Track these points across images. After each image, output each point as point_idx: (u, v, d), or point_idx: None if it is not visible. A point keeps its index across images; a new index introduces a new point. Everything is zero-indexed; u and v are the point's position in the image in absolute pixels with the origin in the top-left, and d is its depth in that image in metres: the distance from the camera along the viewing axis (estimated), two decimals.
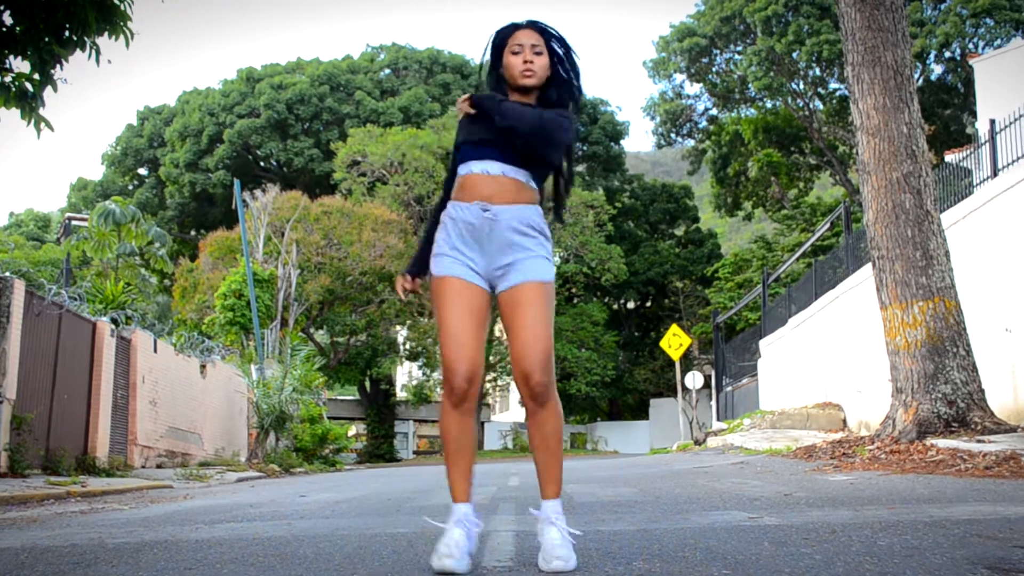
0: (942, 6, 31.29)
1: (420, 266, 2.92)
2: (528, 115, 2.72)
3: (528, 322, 2.65)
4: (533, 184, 2.79)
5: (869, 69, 8.05)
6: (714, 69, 37.28)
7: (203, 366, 17.86)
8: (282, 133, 38.10)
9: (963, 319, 7.73)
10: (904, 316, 7.71)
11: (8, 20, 5.67)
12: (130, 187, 41.79)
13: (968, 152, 13.75)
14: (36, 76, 5.76)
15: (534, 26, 2.84)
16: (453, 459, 2.74)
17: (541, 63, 2.80)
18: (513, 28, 2.84)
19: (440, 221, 2.82)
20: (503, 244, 2.70)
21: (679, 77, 38.44)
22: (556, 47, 2.85)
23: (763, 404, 18.43)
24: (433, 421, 43.39)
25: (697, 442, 16.63)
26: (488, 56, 2.90)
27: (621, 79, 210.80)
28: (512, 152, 2.73)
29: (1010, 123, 10.36)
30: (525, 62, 2.78)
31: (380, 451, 36.62)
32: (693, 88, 39.33)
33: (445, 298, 2.72)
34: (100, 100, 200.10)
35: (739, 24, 34.57)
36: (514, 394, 43.78)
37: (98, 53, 5.79)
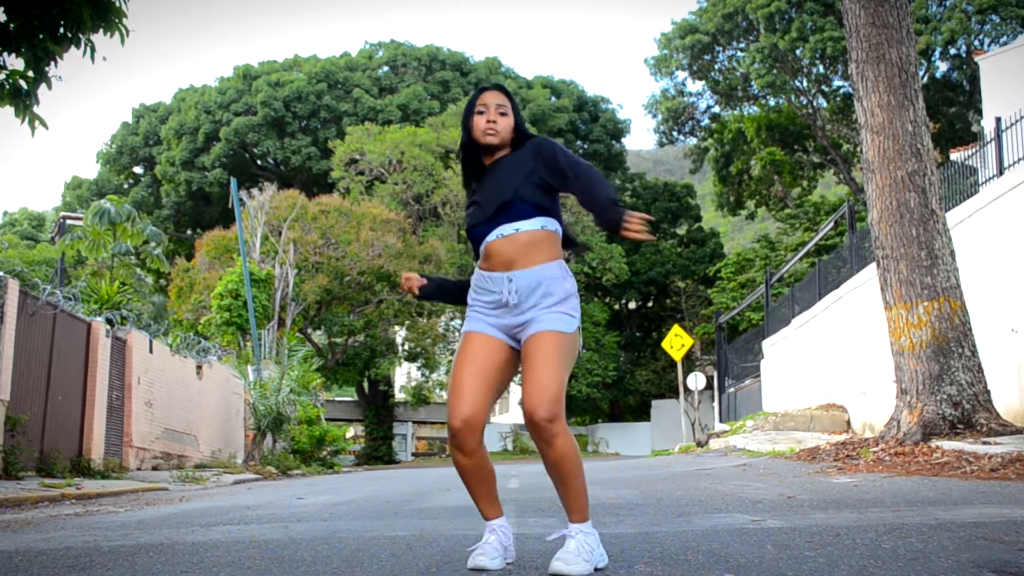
0: (947, 2, 31.30)
1: (432, 290, 3.17)
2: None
3: (536, 366, 2.76)
4: (551, 226, 2.92)
5: (873, 66, 8.05)
6: (716, 66, 37.28)
7: (199, 367, 17.85)
8: (279, 131, 38.10)
9: (969, 319, 7.73)
10: (909, 316, 7.71)
11: (2, 16, 5.67)
12: (125, 186, 41.80)
13: (974, 150, 13.75)
14: (30, 73, 5.76)
15: (499, 88, 3.04)
16: (474, 490, 2.93)
17: (505, 123, 2.97)
18: (481, 91, 3.04)
19: (471, 290, 3.00)
20: (523, 304, 2.85)
21: (681, 74, 38.45)
22: (515, 110, 3.03)
23: (766, 405, 18.43)
24: (432, 423, 43.40)
25: (699, 444, 16.64)
26: (465, 119, 3.06)
27: (622, 77, 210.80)
28: (511, 207, 2.86)
29: (1016, 121, 10.36)
30: (488, 122, 2.95)
31: (378, 453, 36.62)
32: (695, 85, 39.44)
33: (463, 351, 2.91)
34: (95, 98, 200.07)
35: (742, 21, 34.57)
36: (514, 396, 43.80)
37: (93, 50, 5.78)
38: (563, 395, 2.77)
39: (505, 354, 2.88)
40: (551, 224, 2.91)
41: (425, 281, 3.14)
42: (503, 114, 2.97)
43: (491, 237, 2.88)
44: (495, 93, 3.01)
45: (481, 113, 2.97)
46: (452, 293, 3.20)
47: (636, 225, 2.69)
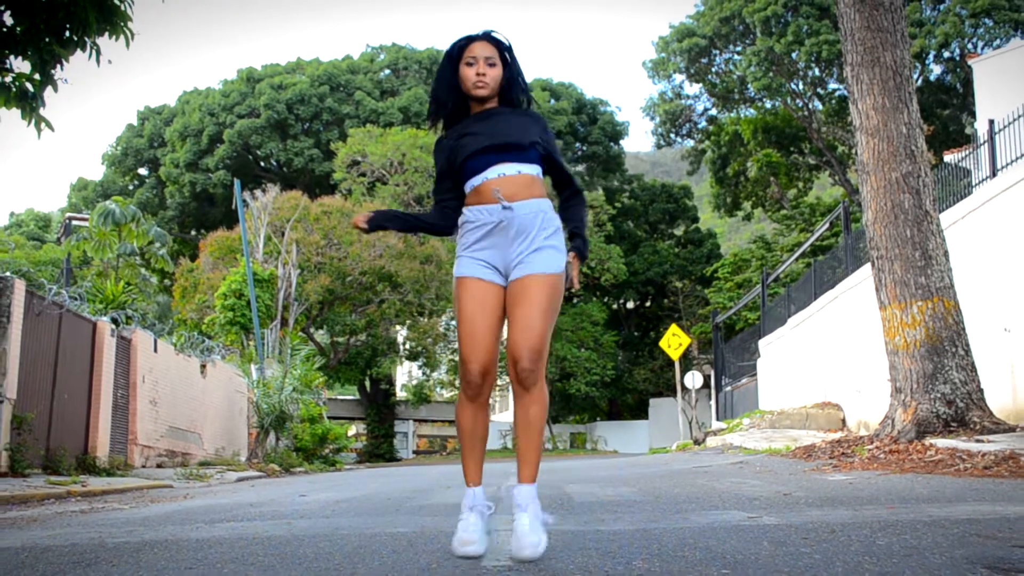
0: (941, 6, 31.29)
1: (378, 221, 3.04)
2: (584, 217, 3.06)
3: (526, 311, 2.76)
4: (540, 174, 2.93)
5: (868, 69, 8.05)
6: (713, 69, 37.28)
7: (203, 366, 17.85)
8: (282, 133, 38.09)
9: (962, 319, 7.73)
10: (903, 316, 7.71)
11: (9, 20, 5.67)
12: (130, 187, 41.78)
13: (967, 152, 13.76)
14: (37, 76, 5.76)
15: (488, 38, 2.94)
16: (468, 447, 2.91)
17: (494, 74, 2.91)
18: (468, 40, 2.93)
19: (458, 225, 2.94)
20: (519, 236, 2.82)
21: (678, 77, 38.46)
22: (508, 56, 2.95)
23: (762, 404, 18.44)
24: (433, 421, 43.42)
25: (696, 442, 16.63)
26: (446, 67, 2.98)
27: (620, 79, 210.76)
28: (521, 151, 2.85)
29: (1009, 123, 10.36)
30: (478, 74, 2.89)
31: (380, 451, 36.62)
32: (692, 88, 39.39)
33: (463, 297, 2.85)
34: (101, 100, 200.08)
35: (738, 24, 34.56)
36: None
37: (98, 53, 5.79)
38: (548, 341, 2.81)
39: (499, 297, 2.85)
40: (540, 173, 2.94)
41: (370, 215, 3.04)
42: (492, 65, 2.90)
43: (490, 174, 2.84)
44: (483, 44, 2.91)
45: (470, 65, 2.90)
46: (400, 219, 3.18)
47: (576, 270, 2.89)
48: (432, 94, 3.04)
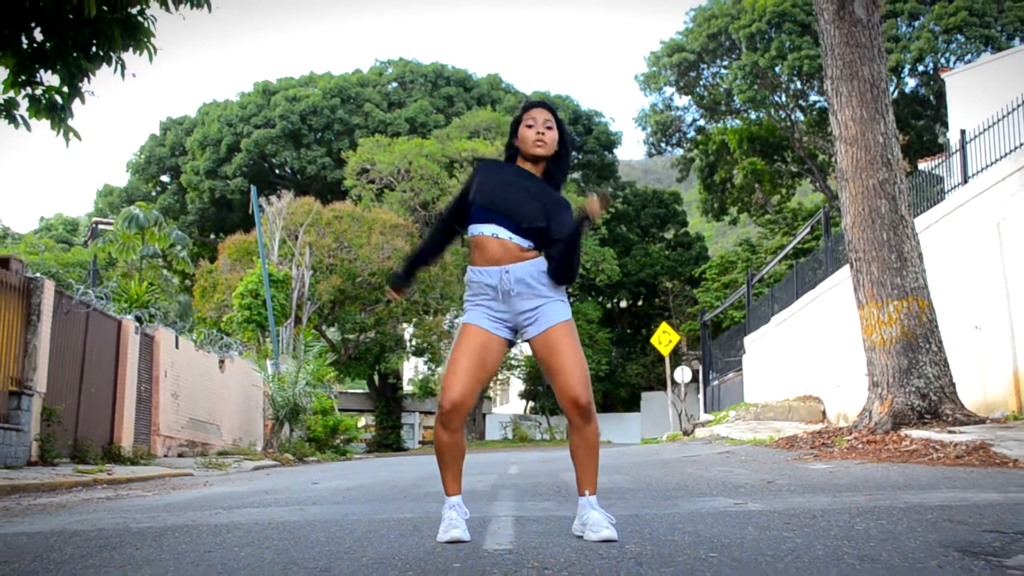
0: (916, 23, 31.29)
1: (403, 279, 3.25)
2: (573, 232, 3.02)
3: (567, 357, 2.91)
4: (533, 249, 3.02)
5: (847, 83, 8.05)
6: (701, 83, 37.28)
7: (222, 361, 17.85)
8: (296, 143, 38.09)
9: (935, 317, 7.73)
10: (880, 314, 7.71)
11: (39, 36, 5.67)
12: (153, 193, 41.77)
13: (940, 160, 13.74)
14: (65, 89, 5.76)
15: (544, 106, 3.09)
16: (444, 465, 3.06)
17: (552, 136, 3.05)
18: (529, 106, 3.09)
19: (466, 289, 3.07)
20: (524, 294, 2.94)
21: (669, 90, 38.45)
22: (560, 126, 3.09)
23: (747, 397, 18.43)
24: (434, 413, 43.34)
25: (686, 433, 16.63)
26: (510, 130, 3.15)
27: (614, 92, 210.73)
28: (516, 224, 2.95)
29: (979, 133, 10.36)
30: (538, 134, 3.02)
31: (388, 441, 36.61)
32: (682, 100, 39.37)
33: (460, 339, 2.99)
34: (125, 111, 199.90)
35: (725, 40, 34.58)
36: (514, 387, 43.79)
37: (123, 68, 5.79)
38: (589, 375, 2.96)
39: (496, 346, 2.99)
40: (534, 250, 3.04)
41: (401, 289, 3.27)
42: (549, 128, 3.04)
43: (485, 230, 2.96)
44: (541, 110, 3.07)
45: (530, 126, 3.03)
46: (413, 266, 3.27)
47: (595, 205, 2.94)
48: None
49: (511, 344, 3.05)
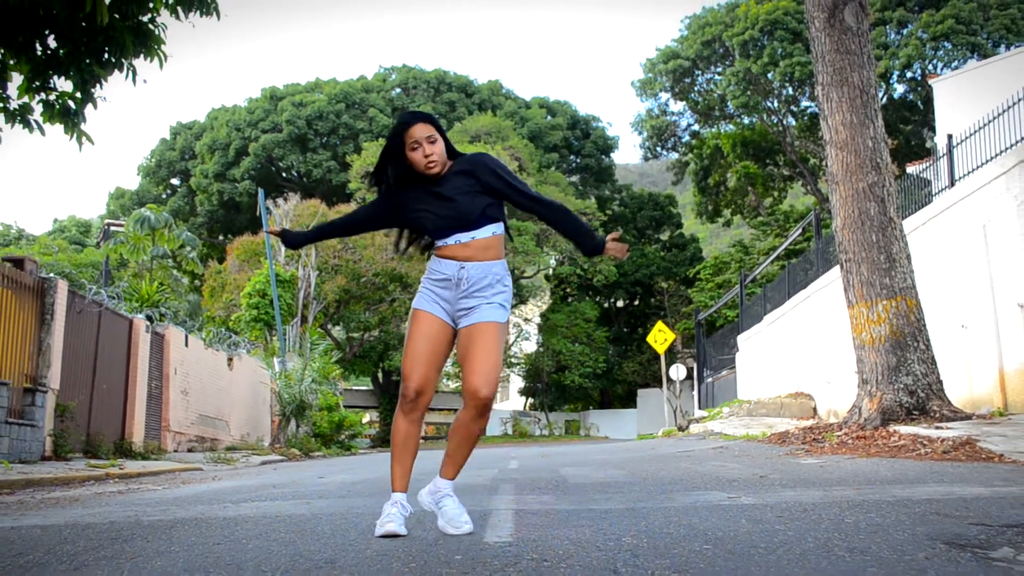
0: (904, 30, 31.30)
1: (291, 239, 3.31)
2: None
3: (480, 349, 2.89)
4: (498, 230, 3.00)
5: (837, 88, 8.05)
6: (696, 88, 37.30)
7: (230, 359, 17.85)
8: (302, 147, 38.09)
9: (923, 316, 7.73)
10: (869, 314, 7.71)
11: (53, 43, 5.67)
12: (163, 196, 41.77)
13: (928, 164, 13.75)
14: (78, 95, 5.76)
15: (421, 118, 2.94)
16: (398, 456, 3.01)
17: (438, 150, 2.92)
18: (404, 127, 2.93)
19: (426, 272, 3.07)
20: (469, 292, 2.94)
21: (664, 96, 38.48)
22: (441, 131, 2.97)
23: (741, 394, 18.43)
24: (440, 409, 43.37)
25: (680, 428, 16.63)
26: (388, 155, 3.00)
27: (612, 97, 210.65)
28: (469, 220, 2.94)
29: (966, 138, 10.36)
30: (426, 156, 2.90)
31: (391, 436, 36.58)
32: (677, 106, 39.38)
33: (413, 326, 3.00)
34: (136, 116, 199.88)
35: (719, 47, 34.58)
36: (514, 384, 43.78)
37: (135, 74, 5.79)
38: (499, 375, 2.94)
39: (447, 334, 2.99)
40: (499, 229, 3.02)
41: (278, 232, 3.31)
42: (433, 142, 2.91)
43: (449, 241, 2.98)
44: (421, 125, 2.92)
45: (415, 149, 2.91)
46: (304, 236, 3.34)
47: (615, 244, 2.99)
48: (377, 170, 3.06)
49: (454, 335, 3.02)
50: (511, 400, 45.13)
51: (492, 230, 2.98)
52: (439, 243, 3.00)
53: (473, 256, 2.95)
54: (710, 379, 23.54)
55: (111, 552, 2.91)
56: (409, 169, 2.97)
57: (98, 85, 5.78)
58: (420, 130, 2.91)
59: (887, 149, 8.04)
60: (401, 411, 2.98)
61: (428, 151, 2.90)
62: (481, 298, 2.94)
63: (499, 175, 2.97)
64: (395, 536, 2.89)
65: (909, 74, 31.64)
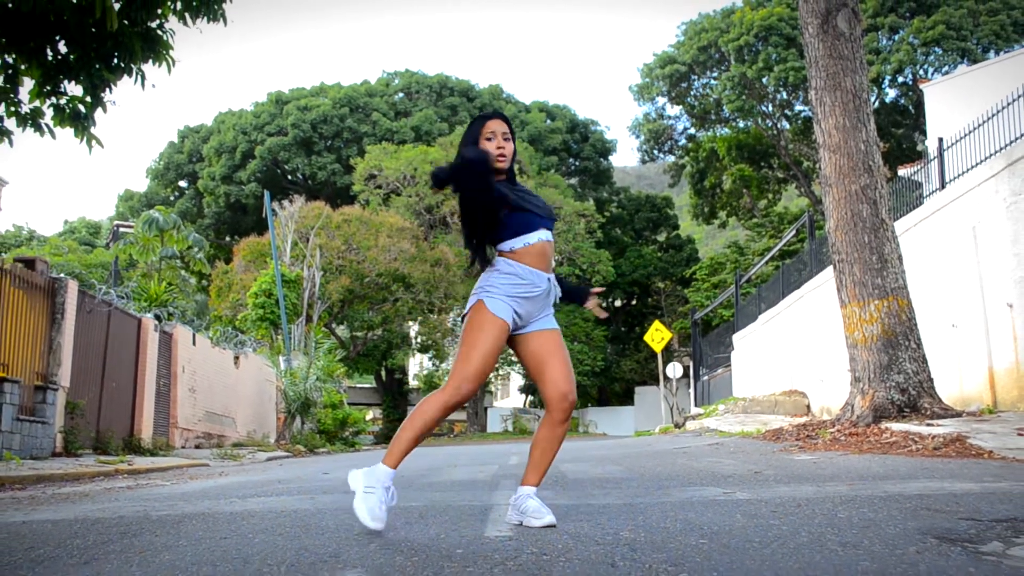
0: (896, 36, 31.29)
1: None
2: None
3: (561, 359, 2.95)
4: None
5: (830, 93, 8.05)
6: (692, 93, 37.29)
7: (236, 357, 17.85)
8: (307, 150, 38.10)
9: (914, 316, 7.73)
10: (862, 313, 7.70)
11: (63, 49, 5.67)
12: (172, 198, 41.79)
13: (919, 167, 13.74)
14: (88, 99, 5.76)
15: (500, 116, 3.00)
16: (415, 438, 2.92)
17: (510, 149, 2.96)
18: (483, 119, 2.99)
19: (503, 272, 2.89)
20: (546, 304, 2.98)
21: (661, 100, 38.48)
22: (513, 135, 3.03)
23: (736, 391, 18.42)
24: None
25: (677, 425, 16.62)
26: (465, 144, 2.96)
27: (610, 102, 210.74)
28: (550, 223, 2.97)
29: (956, 141, 10.36)
30: (498, 148, 2.92)
31: (394, 433, 36.60)
32: (674, 110, 39.39)
33: (489, 327, 2.84)
34: (145, 120, 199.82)
35: (715, 53, 34.58)
36: (514, 382, 43.77)
37: (143, 78, 5.79)
38: None
39: (506, 340, 2.98)
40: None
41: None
42: (508, 140, 2.96)
43: (546, 236, 2.92)
44: (499, 122, 2.97)
45: (490, 140, 2.93)
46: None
47: (595, 301, 3.14)
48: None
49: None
50: (511, 397, 45.12)
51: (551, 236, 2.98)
52: (531, 238, 2.87)
53: (550, 265, 2.96)
54: (706, 377, 23.53)
55: (120, 546, 2.91)
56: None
57: (107, 89, 5.78)
58: (497, 125, 2.96)
59: (879, 152, 8.04)
60: (450, 404, 2.86)
61: (501, 144, 2.93)
62: (549, 306, 3.01)
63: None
64: (378, 532, 2.84)
65: (901, 79, 31.63)
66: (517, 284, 2.87)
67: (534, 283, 2.88)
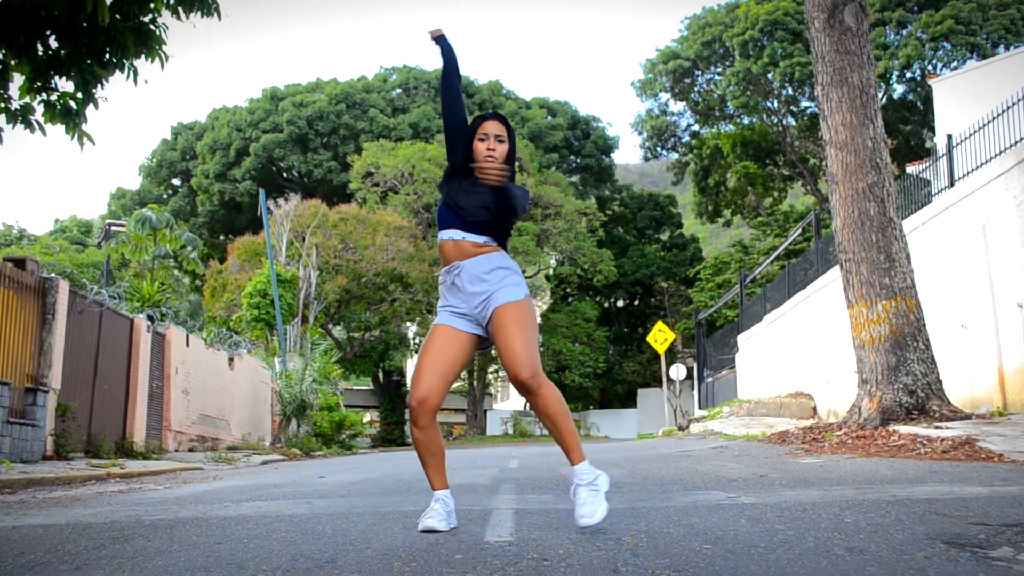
0: (904, 31, 31.29)
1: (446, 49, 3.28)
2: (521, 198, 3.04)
3: (508, 336, 2.92)
4: (493, 244, 3.05)
5: (837, 89, 8.05)
6: (696, 89, 37.30)
7: (231, 359, 17.85)
8: (303, 147, 38.09)
9: (923, 316, 7.73)
10: (869, 313, 7.71)
11: (54, 44, 5.67)
12: (165, 196, 41.78)
13: (927, 164, 13.74)
14: (79, 95, 5.76)
15: (498, 118, 3.10)
16: (424, 461, 3.09)
17: (502, 150, 3.06)
18: (482, 119, 3.09)
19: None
20: (473, 284, 2.99)
21: (664, 96, 38.49)
22: (511, 135, 3.12)
23: (741, 394, 18.43)
24: (442, 409, 43.37)
25: (681, 428, 16.62)
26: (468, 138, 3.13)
27: (612, 98, 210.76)
28: (472, 223, 3.00)
29: (966, 138, 10.36)
30: (488, 149, 3.04)
31: (392, 436, 36.61)
32: (677, 106, 39.38)
33: (428, 340, 3.07)
34: (137, 117, 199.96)
35: (719, 48, 34.57)
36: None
37: (136, 74, 5.78)
38: (536, 353, 2.94)
39: (463, 343, 3.04)
40: (494, 244, 3.06)
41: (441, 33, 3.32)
42: (501, 142, 3.06)
43: (444, 237, 3.05)
44: (495, 123, 3.08)
45: (482, 140, 3.05)
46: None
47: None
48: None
49: (483, 340, 3.06)
50: (511, 399, 45.12)
51: (487, 240, 3.03)
52: (441, 234, 3.07)
53: (462, 256, 3.02)
54: (710, 379, 23.54)
55: (112, 551, 2.91)
56: (470, 159, 3.09)
57: (99, 85, 5.78)
58: (492, 127, 3.06)
59: (887, 149, 8.04)
60: (410, 420, 3.07)
61: (492, 145, 3.04)
62: (490, 284, 2.98)
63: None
64: (433, 531, 2.97)
65: (908, 74, 31.64)
66: (442, 288, 3.12)
67: (444, 282, 3.08)
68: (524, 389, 2.91)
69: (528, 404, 2.98)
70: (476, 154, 3.07)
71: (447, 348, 3.02)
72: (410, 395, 3.02)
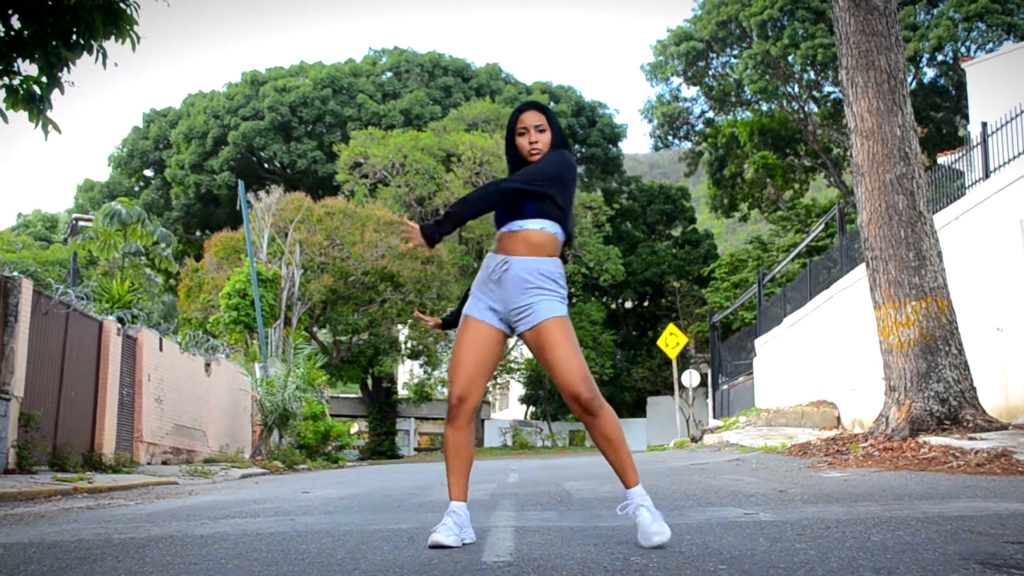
0: (935, 10, 31.31)
1: (451, 319, 3.50)
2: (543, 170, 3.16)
3: (561, 354, 3.01)
4: (558, 235, 3.15)
5: (863, 73, 8.05)
6: (710, 72, 37.30)
7: (208, 364, 17.85)
8: (286, 135, 38.09)
9: (955, 318, 7.73)
10: (897, 315, 7.71)
11: (16, 23, 5.67)
12: (136, 188, 41.78)
13: (960, 154, 13.76)
14: (44, 79, 5.76)
15: (535, 107, 3.25)
16: (450, 464, 3.16)
17: (544, 139, 3.20)
18: (518, 113, 3.25)
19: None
20: (517, 289, 3.07)
21: (676, 80, 38.48)
22: (552, 121, 3.24)
23: (758, 402, 18.43)
24: (434, 419, 43.40)
25: (694, 439, 16.63)
26: (506, 140, 3.32)
27: (619, 82, 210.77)
28: (533, 209, 3.10)
29: (1002, 126, 10.36)
30: (531, 143, 3.18)
31: (382, 448, 36.61)
32: (690, 91, 39.39)
33: (461, 331, 3.18)
34: (107, 103, 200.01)
35: (735, 28, 34.57)
36: (514, 392, 43.80)
37: (105, 56, 5.79)
38: (588, 370, 3.06)
39: (498, 340, 3.16)
40: (551, 227, 3.13)
41: (440, 321, 3.60)
42: (541, 131, 3.18)
43: (504, 230, 3.15)
44: (533, 113, 3.20)
45: (523, 135, 3.19)
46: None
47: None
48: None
49: (507, 338, 3.18)
50: (511, 409, 45.12)
51: (542, 225, 3.10)
52: (502, 227, 3.17)
53: (516, 250, 3.09)
54: (725, 386, 23.54)
55: (79, 573, 2.91)
56: (518, 155, 3.24)
57: (66, 69, 5.78)
58: (530, 118, 3.19)
59: (916, 138, 8.05)
60: (447, 419, 3.16)
61: (533, 138, 3.17)
62: (535, 295, 3.07)
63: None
64: (441, 547, 3.02)
65: (940, 57, 31.64)
66: (481, 272, 3.24)
67: (486, 266, 3.18)
68: (584, 410, 3.00)
69: (585, 427, 3.08)
70: (520, 151, 3.20)
71: (485, 344, 3.12)
72: (449, 392, 3.10)
